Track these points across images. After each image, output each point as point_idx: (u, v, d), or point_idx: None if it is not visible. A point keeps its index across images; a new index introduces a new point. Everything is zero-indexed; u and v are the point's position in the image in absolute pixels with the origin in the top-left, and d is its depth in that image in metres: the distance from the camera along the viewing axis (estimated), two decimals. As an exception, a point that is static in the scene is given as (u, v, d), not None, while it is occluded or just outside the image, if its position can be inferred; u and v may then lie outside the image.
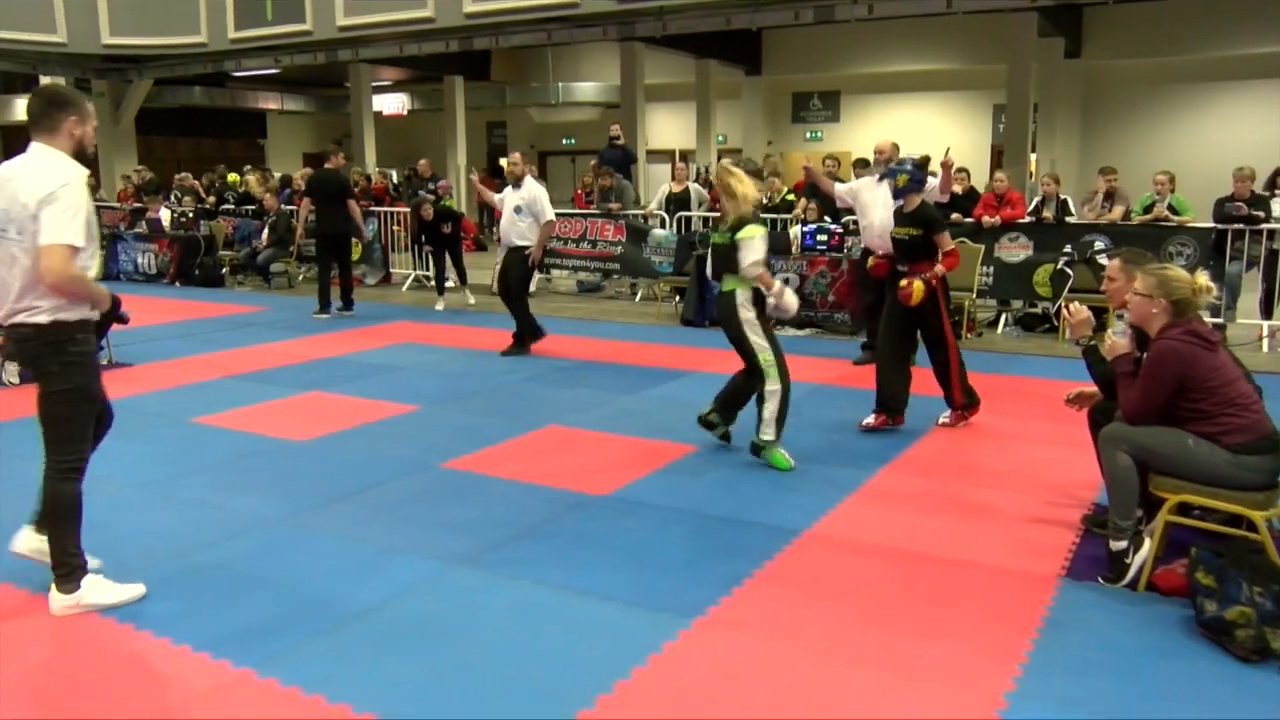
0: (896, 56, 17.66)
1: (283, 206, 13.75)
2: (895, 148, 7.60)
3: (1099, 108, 17.20)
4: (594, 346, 8.85)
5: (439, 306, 11.39)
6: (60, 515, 3.59)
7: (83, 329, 3.53)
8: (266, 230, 13.64)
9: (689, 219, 12.13)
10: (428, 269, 13.44)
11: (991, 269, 9.73)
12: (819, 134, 20.05)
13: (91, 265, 3.56)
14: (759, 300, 5.33)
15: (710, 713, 2.94)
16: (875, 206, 7.44)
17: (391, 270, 13.90)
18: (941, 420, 6.08)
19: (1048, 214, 9.63)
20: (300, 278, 13.84)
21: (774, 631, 3.43)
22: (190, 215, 14.60)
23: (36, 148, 3.51)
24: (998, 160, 17.32)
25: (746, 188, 5.32)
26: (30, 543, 3.77)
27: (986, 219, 9.65)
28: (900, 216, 5.96)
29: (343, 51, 14.97)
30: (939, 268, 5.81)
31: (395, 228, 13.70)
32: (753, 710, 2.95)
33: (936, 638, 3.39)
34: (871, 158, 8.18)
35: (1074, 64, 16.25)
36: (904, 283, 5.75)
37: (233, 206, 15.10)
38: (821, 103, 20.09)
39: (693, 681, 3.10)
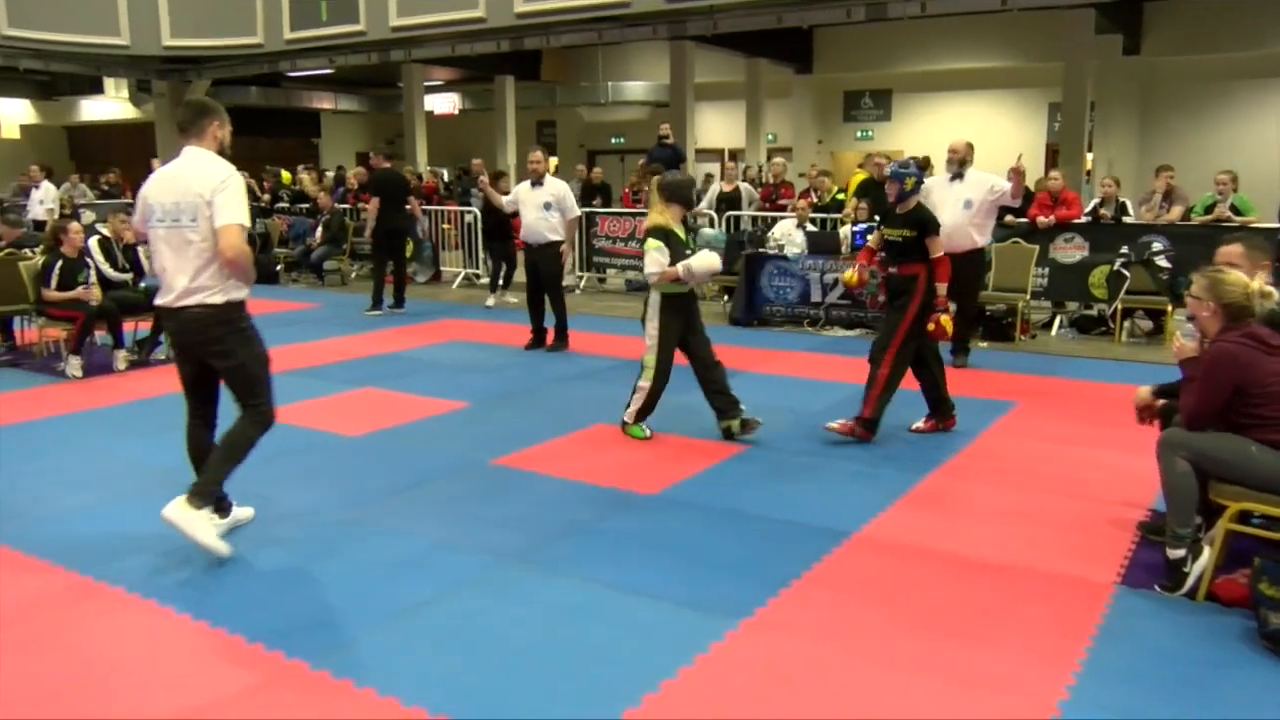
0: (949, 54, 17.45)
1: (336, 205, 13.95)
2: (970, 147, 7.54)
3: (1158, 106, 16.84)
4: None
5: (490, 303, 11.48)
6: (234, 451, 4.10)
7: (245, 306, 4.10)
8: (320, 228, 13.84)
9: (738, 218, 12.10)
10: (478, 267, 13.59)
11: (1046, 270, 9.57)
12: (870, 133, 19.89)
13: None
14: (670, 302, 5.82)
15: (758, 714, 2.92)
16: (945, 206, 7.35)
17: (441, 268, 14.03)
18: (829, 426, 5.77)
19: (1105, 213, 9.46)
20: (354, 275, 14.02)
21: (822, 634, 3.41)
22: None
23: (191, 150, 4.06)
24: (1053, 159, 17.05)
25: (654, 211, 5.88)
26: (220, 526, 4.17)
27: (1041, 219, 9.50)
28: (894, 218, 5.85)
29: (395, 52, 15.14)
30: (940, 301, 5.75)
31: (445, 226, 13.82)
32: (800, 713, 2.93)
33: (988, 644, 3.34)
34: (945, 156, 8.00)
35: (1132, 61, 15.89)
36: (932, 326, 5.74)
37: (287, 205, 15.35)
38: (873, 101, 19.92)
39: (740, 683, 3.09)
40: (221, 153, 4.13)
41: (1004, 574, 3.92)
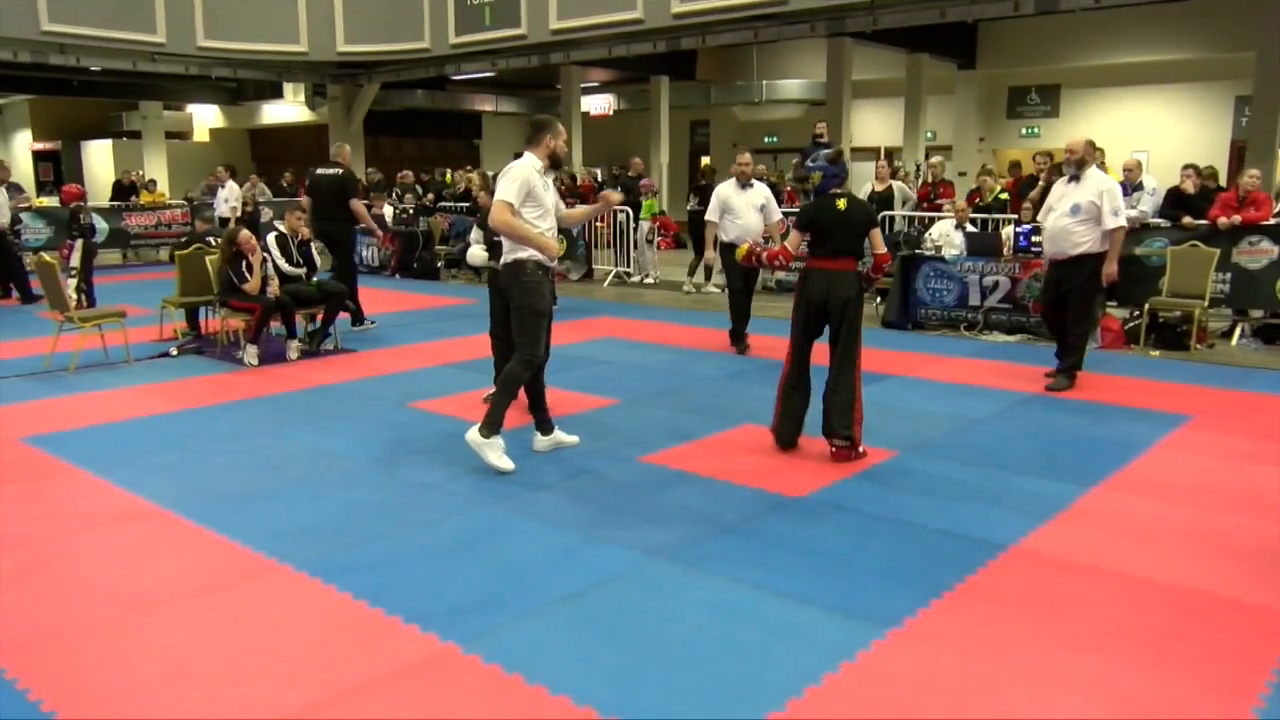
0: (1124, 47, 16.56)
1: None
2: (1089, 146, 7.05)
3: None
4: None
5: (686, 288, 11.81)
6: (508, 386, 5.23)
7: (533, 266, 5.15)
8: (476, 226, 14.26)
9: (892, 218, 11.84)
10: (629, 265, 13.76)
11: (1228, 275, 8.98)
12: (1036, 130, 19.09)
13: (541, 225, 5.17)
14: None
15: (907, 726, 2.86)
16: (1056, 209, 7.06)
17: (594, 266, 14.26)
18: (834, 450, 5.37)
19: (1300, 214, 8.81)
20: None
21: (976, 648, 3.30)
22: (411, 212, 15.48)
23: (526, 155, 5.21)
24: (1238, 157, 15.98)
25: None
26: (542, 444, 5.58)
27: (1223, 220, 8.91)
28: None
29: (555, 54, 15.46)
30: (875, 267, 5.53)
31: (598, 224, 14.04)
32: (953, 728, 2.85)
33: (1158, 669, 3.16)
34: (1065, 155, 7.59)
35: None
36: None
37: (449, 204, 15.92)
38: (1039, 97, 19.11)
39: (888, 693, 3.02)
40: (554, 160, 5.25)
41: (1175, 595, 3.70)
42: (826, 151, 5.57)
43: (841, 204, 5.35)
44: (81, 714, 2.92)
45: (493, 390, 6.63)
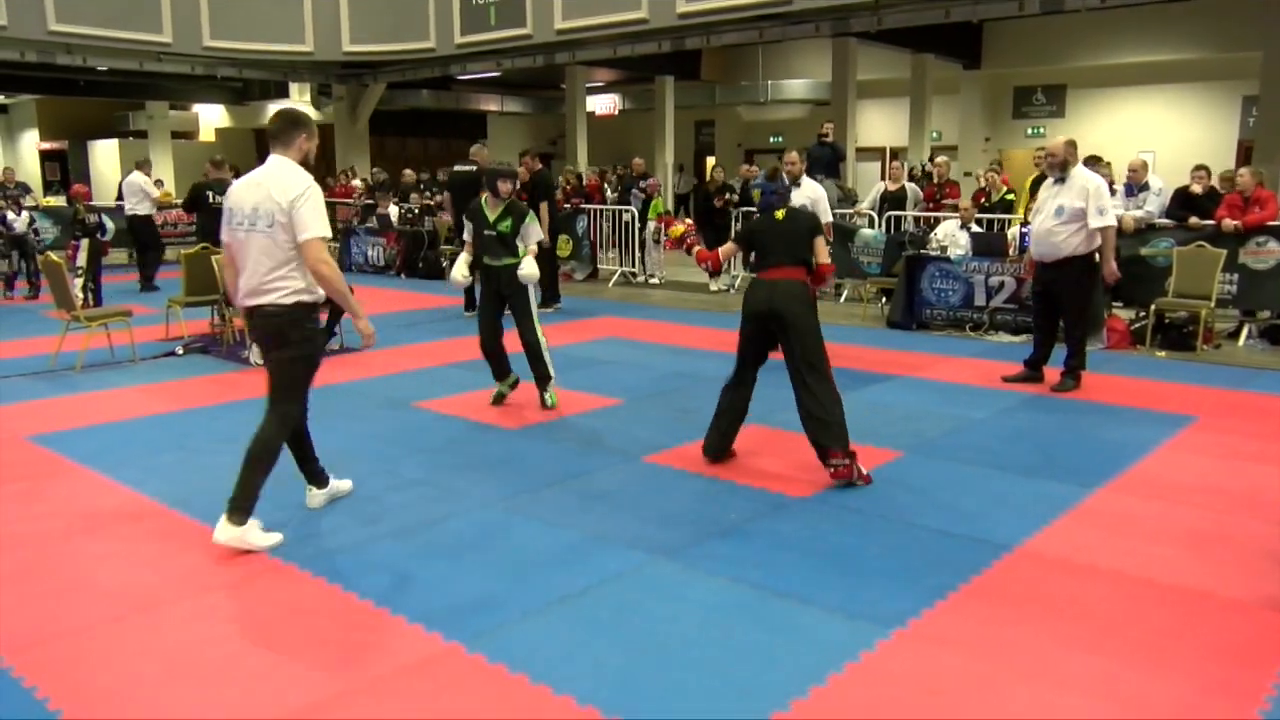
0: (1130, 47, 16.51)
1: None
2: (1069, 147, 6.97)
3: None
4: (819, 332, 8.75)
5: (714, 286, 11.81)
6: (264, 458, 4.20)
7: (316, 309, 4.26)
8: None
9: (899, 219, 11.82)
10: (634, 265, 13.77)
11: (1235, 276, 8.95)
12: (1041, 130, 19.04)
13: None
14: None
15: (910, 727, 2.86)
16: (1042, 211, 7.04)
17: (599, 266, 14.26)
18: (833, 470, 4.93)
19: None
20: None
21: (980, 649, 3.30)
22: (416, 212, 15.50)
23: (275, 158, 4.19)
24: (1245, 157, 15.93)
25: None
26: (317, 499, 4.68)
27: (1227, 221, 8.88)
28: None
29: (560, 54, 15.47)
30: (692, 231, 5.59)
31: (605, 225, 14.04)
32: (955, 729, 2.85)
33: (1161, 670, 3.16)
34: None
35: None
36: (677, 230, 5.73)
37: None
38: (1045, 97, 19.07)
39: (892, 694, 3.02)
40: (305, 164, 4.26)
41: (1180, 597, 3.69)
42: (764, 171, 5.59)
43: (780, 214, 5.25)
44: (86, 711, 2.94)
45: (496, 390, 6.66)
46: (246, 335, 8.31)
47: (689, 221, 5.90)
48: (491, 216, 6.40)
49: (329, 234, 4.12)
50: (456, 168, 10.94)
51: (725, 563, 4.01)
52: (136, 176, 13.63)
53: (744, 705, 2.94)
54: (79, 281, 9.42)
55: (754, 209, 5.38)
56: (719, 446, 5.33)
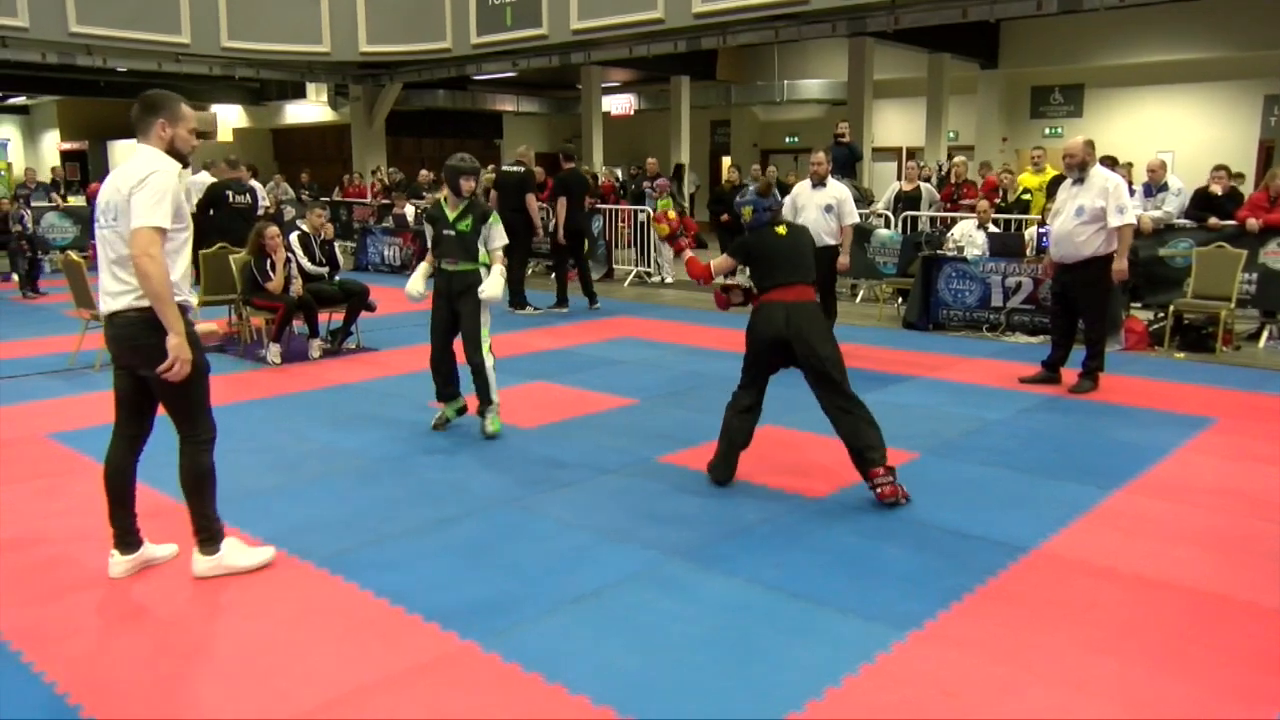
0: (1149, 45, 16.40)
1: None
2: (1088, 147, 6.93)
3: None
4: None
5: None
6: (198, 485, 3.83)
7: (183, 310, 3.66)
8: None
9: (915, 219, 11.78)
10: (649, 265, 13.78)
11: (1255, 276, 8.88)
12: (1059, 130, 18.94)
13: (182, 254, 3.71)
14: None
15: (925, 729, 2.85)
16: (1062, 212, 7.00)
17: (614, 266, 14.26)
18: (880, 490, 4.66)
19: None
20: (530, 272, 14.41)
21: (996, 651, 3.28)
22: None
23: (138, 148, 3.73)
24: (1266, 157, 15.82)
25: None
26: (121, 567, 3.89)
27: (1251, 221, 8.82)
28: None
29: (576, 54, 15.49)
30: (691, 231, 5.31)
31: (621, 225, 14.05)
32: (971, 731, 2.83)
33: (1178, 674, 3.14)
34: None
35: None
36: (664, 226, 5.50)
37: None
38: (1063, 96, 18.96)
39: (908, 695, 3.01)
40: (173, 152, 3.76)
41: (1199, 600, 3.67)
42: (755, 185, 5.29)
43: (781, 230, 4.95)
44: (104, 705, 2.96)
45: (440, 413, 6.21)
46: (264, 334, 8.38)
47: (673, 217, 5.65)
48: (451, 215, 5.90)
49: (164, 224, 3.54)
50: (504, 167, 11.22)
51: (740, 563, 4.01)
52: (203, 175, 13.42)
53: (758, 706, 2.94)
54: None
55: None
56: (728, 475, 5.02)
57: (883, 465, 4.64)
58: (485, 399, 5.95)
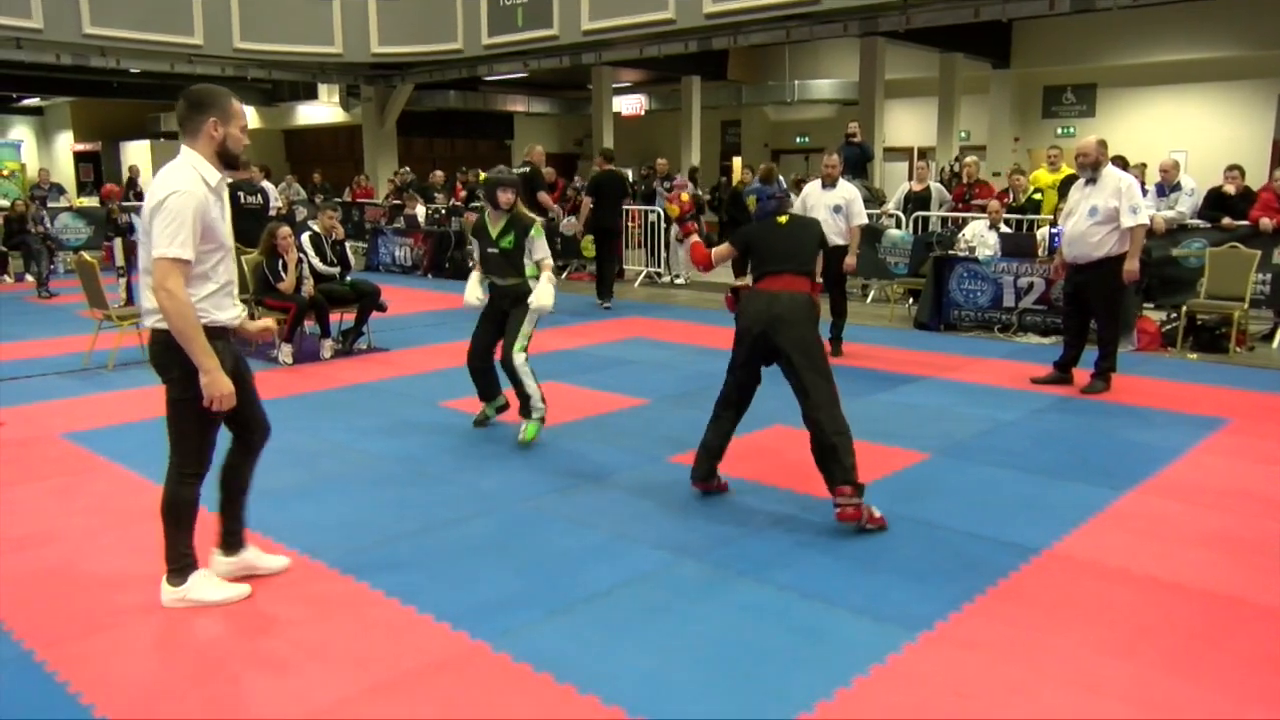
0: (1162, 45, 16.32)
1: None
2: (1100, 146, 6.90)
3: None
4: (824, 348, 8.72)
5: None
6: (178, 516, 3.61)
7: (220, 332, 3.49)
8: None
9: (926, 219, 11.75)
10: (660, 265, 13.78)
11: (1269, 276, 8.83)
12: (1072, 129, 18.86)
13: (219, 276, 3.48)
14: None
15: (937, 730, 2.84)
16: (1075, 213, 6.97)
17: (624, 266, 14.27)
18: (838, 510, 4.33)
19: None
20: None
21: (1008, 653, 3.27)
22: (443, 212, 15.58)
23: (182, 151, 3.45)
24: (1279, 156, 15.72)
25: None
26: (224, 565, 3.83)
27: (1264, 221, 8.77)
28: None
29: (586, 55, 15.51)
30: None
31: (631, 225, 14.05)
32: (983, 733, 2.82)
33: (1192, 676, 3.12)
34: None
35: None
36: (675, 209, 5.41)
37: (480, 203, 16.00)
38: (1075, 96, 18.89)
39: (919, 696, 3.00)
40: (224, 153, 3.49)
41: (1213, 603, 3.65)
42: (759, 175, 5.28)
43: (783, 220, 4.80)
44: (118, 706, 2.97)
45: (481, 410, 6.24)
46: (276, 335, 8.40)
47: (686, 199, 5.56)
48: (494, 232, 5.88)
49: (184, 254, 3.27)
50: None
51: (751, 563, 4.00)
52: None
53: (769, 706, 2.94)
54: (123, 281, 9.49)
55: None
56: (700, 475, 4.80)
57: (850, 484, 4.28)
58: (524, 404, 5.85)
